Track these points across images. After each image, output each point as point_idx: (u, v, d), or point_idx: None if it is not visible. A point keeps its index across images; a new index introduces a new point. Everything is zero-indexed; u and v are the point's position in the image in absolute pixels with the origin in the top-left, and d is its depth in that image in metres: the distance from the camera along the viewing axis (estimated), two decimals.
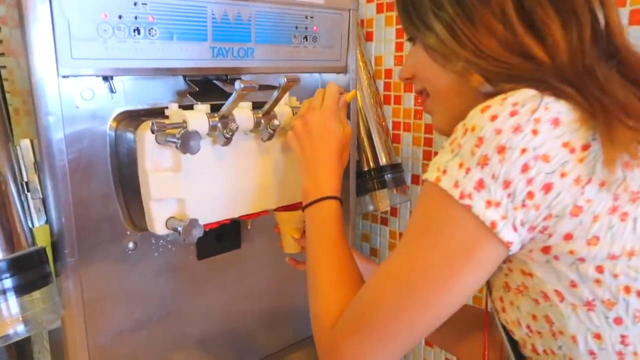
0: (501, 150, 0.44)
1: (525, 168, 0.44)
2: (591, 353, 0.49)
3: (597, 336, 0.48)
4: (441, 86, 0.58)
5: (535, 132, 0.44)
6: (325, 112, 0.73)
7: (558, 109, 0.45)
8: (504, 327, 0.57)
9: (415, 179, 1.20)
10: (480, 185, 0.45)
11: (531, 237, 0.46)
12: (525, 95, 0.46)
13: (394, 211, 1.27)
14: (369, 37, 1.24)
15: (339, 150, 0.72)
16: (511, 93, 0.47)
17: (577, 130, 0.45)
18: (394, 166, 1.15)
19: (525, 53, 0.50)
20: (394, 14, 1.17)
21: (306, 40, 0.88)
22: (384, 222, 1.30)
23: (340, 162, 0.73)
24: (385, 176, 1.13)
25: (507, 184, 0.44)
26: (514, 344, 0.57)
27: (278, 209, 0.84)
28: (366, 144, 1.14)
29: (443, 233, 0.48)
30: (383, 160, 1.14)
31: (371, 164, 1.14)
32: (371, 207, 1.14)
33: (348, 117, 0.91)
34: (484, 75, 0.52)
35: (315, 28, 0.89)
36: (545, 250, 0.47)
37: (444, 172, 0.47)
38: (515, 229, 0.45)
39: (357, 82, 1.10)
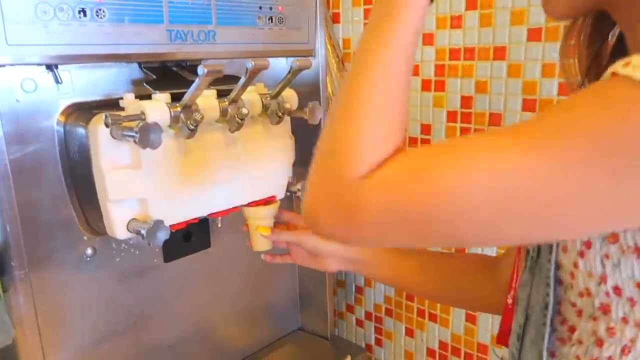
0: None
1: None
2: None
3: None
4: None
5: None
6: None
7: None
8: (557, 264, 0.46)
9: None
10: None
11: None
12: None
13: None
14: (335, 18, 1.19)
15: None
16: None
17: None
18: None
19: None
20: None
21: (271, 21, 0.82)
22: None
23: None
24: None
25: None
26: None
27: (248, 204, 0.78)
28: None
29: (635, 160, 0.31)
30: None
31: None
32: None
33: (319, 101, 0.86)
34: None
35: (280, 8, 0.83)
36: None
37: None
38: None
39: (326, 67, 1.05)
